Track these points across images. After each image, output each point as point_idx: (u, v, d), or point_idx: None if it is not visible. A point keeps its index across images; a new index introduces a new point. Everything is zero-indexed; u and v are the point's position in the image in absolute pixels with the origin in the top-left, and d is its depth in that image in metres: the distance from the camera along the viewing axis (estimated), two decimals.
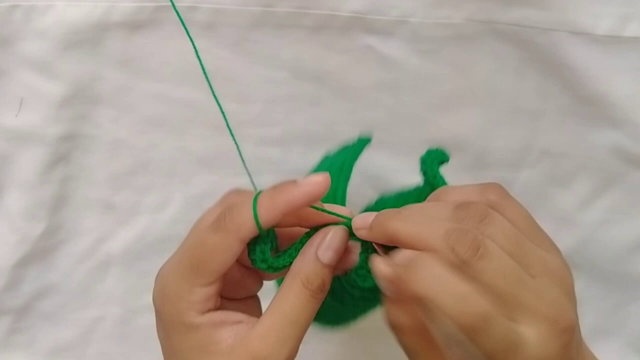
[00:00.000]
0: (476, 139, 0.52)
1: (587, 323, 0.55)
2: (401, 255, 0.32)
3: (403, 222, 0.33)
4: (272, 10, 0.49)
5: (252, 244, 0.35)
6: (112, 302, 0.54)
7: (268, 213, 0.34)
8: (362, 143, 0.45)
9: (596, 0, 0.48)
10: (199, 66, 0.51)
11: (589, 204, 0.53)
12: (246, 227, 0.34)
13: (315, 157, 0.46)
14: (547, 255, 0.33)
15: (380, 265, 0.33)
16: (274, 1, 0.49)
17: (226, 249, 0.34)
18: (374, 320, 0.55)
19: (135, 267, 0.54)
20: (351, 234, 0.36)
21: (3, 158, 0.51)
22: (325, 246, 0.35)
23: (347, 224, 0.36)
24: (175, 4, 0.49)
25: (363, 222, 0.35)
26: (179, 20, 0.50)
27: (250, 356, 0.34)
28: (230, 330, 0.35)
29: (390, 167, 0.52)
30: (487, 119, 0.51)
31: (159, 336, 0.37)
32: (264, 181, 0.41)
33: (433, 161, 0.39)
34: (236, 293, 0.38)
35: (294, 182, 0.35)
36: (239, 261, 0.37)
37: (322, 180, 0.35)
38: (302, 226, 0.37)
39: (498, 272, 0.31)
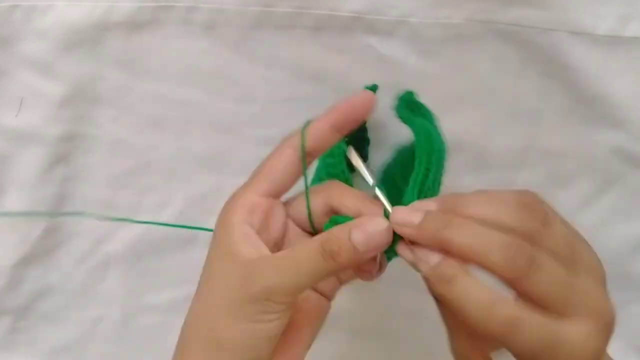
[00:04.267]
0: (476, 139, 0.52)
1: None
2: (442, 266, 0.34)
3: (458, 233, 0.34)
4: (272, 10, 0.49)
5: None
6: (112, 302, 0.54)
7: (316, 125, 0.39)
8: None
9: (596, 0, 0.48)
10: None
11: (589, 204, 0.53)
12: (296, 137, 0.39)
13: None
14: (588, 253, 0.35)
15: (411, 258, 0.36)
16: (274, 1, 0.49)
17: (278, 154, 0.39)
18: (374, 320, 0.55)
19: (135, 267, 0.54)
20: None
21: (3, 158, 0.51)
22: (360, 227, 0.36)
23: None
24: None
25: (407, 219, 0.36)
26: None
27: (245, 271, 0.36)
28: (253, 251, 0.37)
29: None
30: (487, 119, 0.51)
31: None
32: None
33: (400, 105, 0.45)
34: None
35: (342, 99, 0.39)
36: (295, 222, 0.41)
37: (364, 94, 0.39)
38: None
39: (549, 282, 0.33)
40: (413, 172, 0.40)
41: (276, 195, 0.40)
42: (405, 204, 0.38)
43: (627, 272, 0.54)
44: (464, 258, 0.34)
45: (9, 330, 0.53)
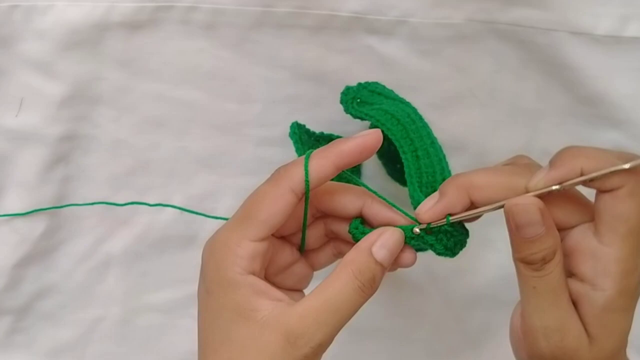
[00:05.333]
0: (476, 139, 0.52)
1: None
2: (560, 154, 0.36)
3: (474, 173, 0.37)
4: (272, 10, 0.49)
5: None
6: (112, 302, 0.54)
7: (319, 163, 0.36)
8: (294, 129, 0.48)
9: (596, 0, 0.48)
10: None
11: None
12: (297, 176, 0.35)
13: None
14: None
15: (533, 203, 0.35)
16: (274, 1, 0.49)
17: (277, 197, 0.35)
18: (374, 319, 0.55)
19: (135, 267, 0.54)
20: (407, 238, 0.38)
21: (3, 158, 0.51)
22: (380, 244, 0.36)
23: (407, 228, 0.38)
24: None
25: (430, 202, 0.37)
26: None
27: (284, 331, 0.34)
28: (270, 303, 0.35)
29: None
30: (487, 119, 0.51)
31: (199, 297, 0.37)
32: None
33: (348, 104, 0.44)
34: (284, 280, 0.38)
35: (346, 138, 0.36)
36: (290, 244, 0.39)
37: (373, 134, 0.36)
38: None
39: None
40: (405, 167, 0.40)
41: (270, 235, 0.37)
42: (413, 200, 0.39)
43: None
44: (489, 189, 0.36)
45: (9, 330, 0.53)
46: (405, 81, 0.50)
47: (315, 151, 0.36)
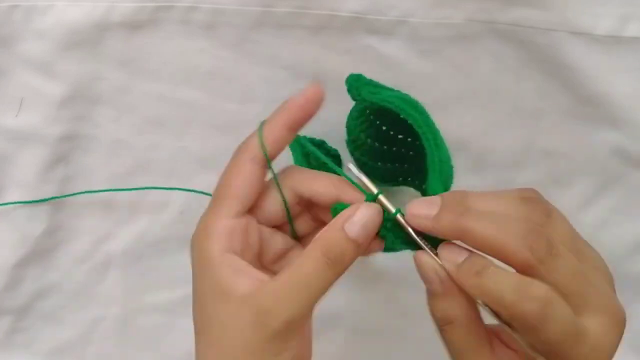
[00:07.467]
0: (476, 139, 0.52)
1: None
2: (472, 259, 0.34)
3: (477, 221, 0.33)
4: (272, 10, 0.49)
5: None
6: (112, 302, 0.54)
7: (271, 129, 0.37)
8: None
9: (596, 0, 0.48)
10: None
11: (589, 204, 0.53)
12: (252, 145, 0.37)
13: None
14: (593, 251, 0.35)
15: (432, 265, 0.34)
16: (274, 1, 0.49)
17: (240, 170, 0.37)
18: (374, 320, 0.55)
19: (135, 267, 0.54)
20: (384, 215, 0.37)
21: (3, 158, 0.51)
22: (353, 220, 0.35)
23: (370, 197, 0.37)
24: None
25: (426, 210, 0.35)
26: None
27: (255, 307, 0.34)
28: (248, 282, 0.35)
29: None
30: (487, 119, 0.51)
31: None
32: None
33: (359, 85, 0.43)
34: (277, 263, 0.38)
35: (290, 97, 0.37)
36: (283, 231, 0.39)
37: (313, 89, 0.37)
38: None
39: (568, 271, 0.32)
40: (428, 156, 0.39)
41: (246, 211, 0.38)
42: (431, 190, 0.38)
43: (627, 272, 0.54)
44: (483, 247, 0.33)
45: (9, 330, 0.53)
46: (406, 81, 0.50)
47: (267, 119, 0.37)
